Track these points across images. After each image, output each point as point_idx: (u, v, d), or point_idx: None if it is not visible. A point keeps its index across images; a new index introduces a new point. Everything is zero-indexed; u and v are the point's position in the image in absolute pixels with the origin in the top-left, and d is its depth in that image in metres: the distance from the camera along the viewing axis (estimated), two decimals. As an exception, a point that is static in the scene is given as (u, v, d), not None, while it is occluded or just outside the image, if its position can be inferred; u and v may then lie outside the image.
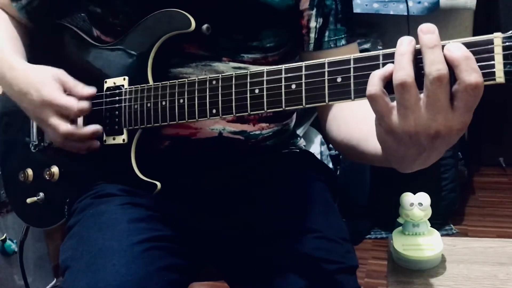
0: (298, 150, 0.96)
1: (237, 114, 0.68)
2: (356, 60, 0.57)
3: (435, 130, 0.51)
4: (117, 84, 0.81)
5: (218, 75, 0.70)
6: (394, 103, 0.53)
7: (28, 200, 0.91)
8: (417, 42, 0.52)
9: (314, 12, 0.81)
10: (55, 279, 1.77)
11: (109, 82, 0.81)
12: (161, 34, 0.77)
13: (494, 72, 0.50)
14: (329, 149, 2.17)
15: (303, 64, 0.61)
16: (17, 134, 0.96)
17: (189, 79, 0.73)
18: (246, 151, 0.86)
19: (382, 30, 2.34)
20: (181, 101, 0.73)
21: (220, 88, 0.69)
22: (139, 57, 0.79)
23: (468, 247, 1.08)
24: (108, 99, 0.81)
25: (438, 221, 2.05)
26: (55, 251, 1.74)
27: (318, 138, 2.11)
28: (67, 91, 0.80)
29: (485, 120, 2.50)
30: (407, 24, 2.05)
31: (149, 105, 0.76)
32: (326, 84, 0.59)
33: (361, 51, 0.69)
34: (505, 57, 0.49)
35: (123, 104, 0.79)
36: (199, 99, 0.71)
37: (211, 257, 0.86)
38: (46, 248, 1.73)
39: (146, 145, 0.80)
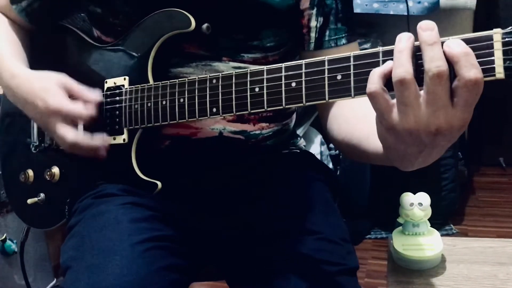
0: (298, 151, 0.96)
1: (237, 113, 0.68)
2: (356, 58, 0.57)
3: (435, 127, 0.51)
4: (118, 84, 0.81)
5: (218, 74, 0.70)
6: (395, 101, 0.53)
7: (29, 201, 0.91)
8: (417, 39, 0.52)
9: (314, 11, 0.81)
10: (55, 279, 1.77)
11: (110, 82, 0.82)
12: (161, 34, 0.77)
13: (494, 68, 0.50)
14: (329, 149, 2.17)
15: (303, 62, 0.62)
16: (18, 135, 0.96)
17: (189, 78, 0.73)
18: (246, 151, 0.86)
19: (382, 30, 2.34)
20: (182, 100, 0.73)
21: (220, 87, 0.69)
22: (139, 57, 0.79)
23: (468, 247, 1.08)
24: (108, 99, 0.81)
25: (438, 221, 2.05)
26: (55, 251, 1.74)
27: (318, 138, 2.11)
28: (72, 97, 0.80)
29: (485, 120, 2.50)
30: (407, 24, 2.05)
31: (149, 104, 0.76)
32: (326, 82, 0.59)
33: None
34: (504, 52, 0.49)
35: (123, 104, 0.79)
36: (199, 98, 0.71)
37: (212, 257, 0.86)
38: (46, 248, 1.73)
39: (146, 145, 0.80)
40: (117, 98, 0.80)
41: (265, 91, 0.65)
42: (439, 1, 2.11)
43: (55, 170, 0.88)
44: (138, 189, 0.79)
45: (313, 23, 0.82)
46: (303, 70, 0.61)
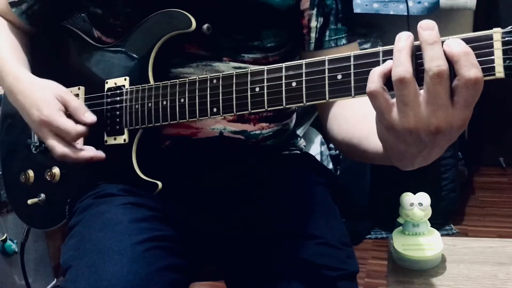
0: (298, 152, 0.96)
1: (237, 113, 0.68)
2: (356, 57, 0.57)
3: (435, 126, 0.51)
4: (118, 84, 0.81)
5: (218, 74, 0.70)
6: (394, 100, 0.53)
7: (29, 201, 0.91)
8: (417, 39, 0.52)
9: (314, 11, 0.81)
10: (55, 279, 1.77)
11: (110, 83, 0.82)
12: (161, 34, 0.77)
13: (493, 67, 0.50)
14: (329, 149, 2.17)
15: (303, 62, 0.62)
16: (18, 135, 0.96)
17: (189, 78, 0.73)
18: (246, 151, 0.86)
19: (382, 30, 2.34)
20: (182, 100, 0.73)
21: (220, 87, 0.69)
22: (140, 57, 0.79)
23: (468, 247, 1.08)
24: (109, 100, 0.81)
25: (438, 221, 2.05)
26: (55, 251, 1.74)
27: (318, 138, 2.11)
28: (68, 112, 0.80)
29: (485, 120, 2.50)
30: (407, 24, 2.05)
31: (150, 105, 0.76)
32: (327, 82, 0.59)
33: (361, 51, 0.70)
34: (504, 52, 0.49)
35: (124, 104, 0.80)
36: (200, 98, 0.71)
37: (212, 257, 0.86)
38: (46, 248, 1.72)
39: (147, 145, 0.80)
40: (118, 98, 0.80)
41: (265, 91, 0.65)
42: (439, 1, 2.11)
43: (56, 170, 0.88)
44: (139, 189, 0.80)
45: (313, 23, 0.82)
46: (304, 70, 0.62)
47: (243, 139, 0.84)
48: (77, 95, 0.85)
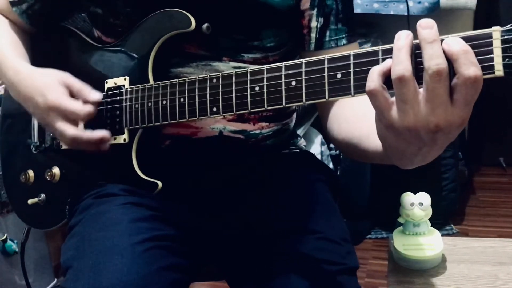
0: (298, 151, 0.96)
1: (237, 112, 0.68)
2: (356, 56, 0.57)
3: (435, 124, 0.51)
4: (118, 84, 0.81)
5: (218, 73, 0.70)
6: (394, 98, 0.53)
7: (29, 202, 0.91)
8: (416, 38, 0.52)
9: (315, 12, 0.81)
10: (55, 279, 1.77)
11: (110, 83, 0.82)
12: (161, 34, 0.77)
13: (493, 65, 0.50)
14: (330, 149, 2.17)
15: (303, 61, 0.62)
16: (18, 135, 0.96)
17: (189, 78, 0.73)
18: (246, 150, 0.86)
19: (383, 30, 2.34)
20: (182, 100, 0.73)
21: (220, 86, 0.69)
22: (139, 57, 0.79)
23: (468, 247, 1.08)
24: (109, 99, 0.81)
25: (439, 221, 2.05)
26: (55, 251, 1.74)
27: (319, 138, 2.11)
28: (73, 95, 0.80)
29: (486, 120, 2.49)
30: (408, 24, 2.05)
31: (149, 104, 0.76)
32: (326, 81, 0.59)
33: (361, 51, 0.70)
34: (504, 50, 0.49)
35: (123, 104, 0.80)
36: (199, 98, 0.71)
37: (212, 256, 0.86)
38: (46, 248, 1.73)
39: (147, 144, 0.80)
40: (118, 98, 0.80)
41: (265, 90, 0.65)
42: (439, 1, 2.11)
43: (56, 170, 0.88)
44: (139, 189, 0.80)
45: (314, 24, 0.82)
46: (303, 69, 0.62)
47: (243, 139, 0.84)
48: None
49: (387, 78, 0.53)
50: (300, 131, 1.96)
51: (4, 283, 1.56)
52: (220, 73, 0.69)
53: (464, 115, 0.51)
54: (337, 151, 2.15)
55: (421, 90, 0.51)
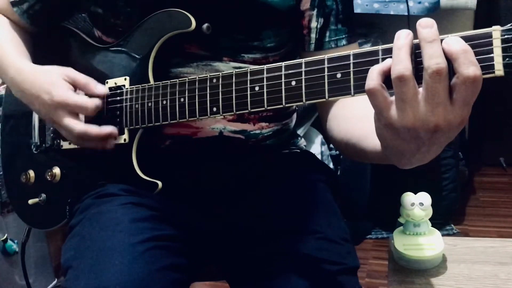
0: (298, 151, 0.96)
1: (237, 112, 0.68)
2: (356, 56, 0.57)
3: (434, 124, 0.51)
4: (118, 84, 0.81)
5: (218, 73, 0.70)
6: (393, 98, 0.53)
7: (30, 202, 0.92)
8: (416, 37, 0.52)
9: (315, 12, 0.81)
10: (56, 279, 1.77)
11: (110, 83, 0.82)
12: (161, 34, 0.77)
13: (493, 65, 0.50)
14: (330, 149, 2.17)
15: (303, 60, 0.62)
16: (19, 135, 0.96)
17: (189, 78, 0.73)
18: (246, 150, 0.86)
19: (383, 30, 2.34)
20: (182, 100, 0.73)
21: (220, 86, 0.69)
22: (140, 57, 0.79)
23: (469, 246, 1.07)
24: (109, 99, 0.81)
25: (439, 221, 2.05)
26: (56, 251, 1.74)
27: (319, 138, 2.11)
28: (78, 89, 0.80)
29: (486, 120, 2.49)
30: (408, 24, 2.05)
31: (150, 104, 0.76)
32: (326, 80, 0.59)
33: (362, 51, 0.70)
34: (504, 49, 0.49)
35: (124, 104, 0.80)
36: (199, 98, 0.71)
37: (212, 256, 0.86)
38: (47, 248, 1.72)
39: (147, 144, 0.80)
40: (118, 98, 0.80)
41: (265, 90, 0.65)
42: (439, 1, 2.11)
43: (56, 170, 0.88)
44: (139, 189, 0.80)
45: (314, 24, 0.82)
46: (303, 69, 0.62)
47: (243, 139, 0.84)
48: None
49: (386, 77, 0.53)
50: (300, 131, 1.96)
51: (4, 283, 1.56)
52: (220, 73, 0.70)
53: (463, 114, 0.51)
54: (338, 151, 2.15)
55: (420, 89, 0.51)
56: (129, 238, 0.70)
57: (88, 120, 0.81)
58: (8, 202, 1.48)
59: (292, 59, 0.64)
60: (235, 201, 0.85)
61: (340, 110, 0.81)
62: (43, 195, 0.91)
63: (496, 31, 0.50)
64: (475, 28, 0.52)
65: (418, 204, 1.03)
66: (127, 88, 0.80)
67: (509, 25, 0.49)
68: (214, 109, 0.70)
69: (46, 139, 0.91)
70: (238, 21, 0.79)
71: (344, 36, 0.82)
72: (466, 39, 0.50)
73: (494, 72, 0.50)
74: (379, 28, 2.33)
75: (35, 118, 0.93)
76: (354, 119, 0.76)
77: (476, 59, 0.49)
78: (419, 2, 2.08)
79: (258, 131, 0.86)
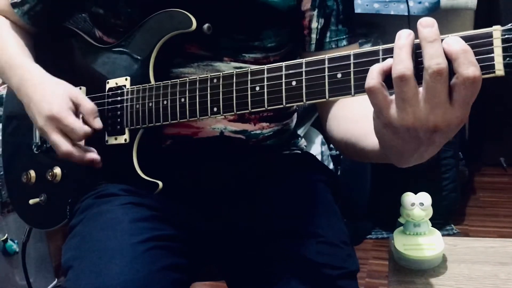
0: (299, 152, 0.96)
1: (238, 112, 0.68)
2: (356, 56, 0.57)
3: (433, 124, 0.51)
4: (119, 84, 0.81)
5: (219, 73, 0.70)
6: (393, 97, 0.53)
7: (31, 201, 0.92)
8: (417, 37, 0.52)
9: (315, 12, 0.81)
10: (56, 279, 1.77)
11: (111, 83, 0.82)
12: (162, 34, 0.77)
13: (493, 65, 0.50)
14: (330, 149, 2.17)
15: (303, 60, 0.62)
16: (20, 135, 0.96)
17: (190, 78, 0.73)
18: (247, 150, 0.86)
19: (383, 30, 2.34)
20: (183, 100, 0.73)
21: (221, 86, 0.69)
22: (141, 57, 0.79)
23: (469, 247, 1.07)
24: (110, 100, 0.81)
25: (439, 221, 2.05)
26: (56, 251, 1.74)
27: (319, 138, 2.11)
28: (78, 112, 0.80)
29: (486, 120, 2.49)
30: (408, 24, 2.05)
31: (150, 104, 0.76)
32: (327, 80, 0.60)
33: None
34: (504, 49, 0.49)
35: (124, 104, 0.80)
36: (200, 98, 0.71)
37: (212, 256, 0.86)
38: (47, 248, 1.72)
39: (148, 144, 0.80)
40: (119, 98, 0.80)
41: (265, 90, 0.65)
42: (439, 1, 2.11)
43: (57, 170, 0.88)
44: (139, 189, 0.80)
45: (314, 25, 0.82)
46: (304, 69, 0.62)
47: (243, 139, 0.84)
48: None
49: (387, 77, 0.53)
50: (300, 131, 1.96)
51: (4, 283, 1.56)
52: (221, 73, 0.70)
53: (462, 115, 0.51)
54: (338, 151, 2.15)
55: (420, 89, 0.51)
56: (130, 238, 0.70)
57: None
58: (8, 202, 1.48)
59: (292, 59, 0.64)
60: (235, 201, 0.85)
61: (340, 110, 0.81)
62: (44, 195, 0.91)
63: (496, 31, 0.50)
64: (475, 28, 0.52)
65: (418, 204, 1.03)
66: (127, 88, 0.80)
67: (509, 25, 0.49)
68: (215, 109, 0.70)
69: (47, 139, 0.91)
70: (238, 21, 0.79)
71: (344, 36, 0.82)
72: (466, 39, 0.51)
73: (494, 72, 0.50)
74: (380, 28, 2.33)
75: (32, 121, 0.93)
76: (353, 118, 0.76)
77: (477, 59, 0.50)
78: (419, 2, 2.08)
79: (258, 131, 0.86)
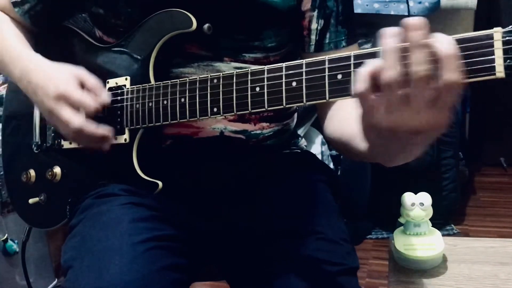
0: (299, 151, 0.96)
1: (238, 113, 0.68)
2: (356, 57, 0.57)
3: (416, 126, 0.52)
4: (119, 84, 0.81)
5: (219, 73, 0.70)
6: (381, 100, 0.53)
7: (31, 201, 0.92)
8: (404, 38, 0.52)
9: (315, 13, 0.81)
10: (56, 279, 1.77)
11: (111, 82, 0.82)
12: (162, 34, 0.77)
13: (494, 66, 0.50)
14: (330, 149, 2.17)
15: (303, 61, 0.62)
16: (20, 135, 0.96)
17: (190, 78, 0.73)
18: (247, 150, 0.86)
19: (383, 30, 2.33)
20: (183, 100, 0.73)
21: (221, 86, 0.69)
22: (141, 57, 0.79)
23: (469, 247, 1.08)
24: (110, 99, 0.81)
25: (439, 221, 2.05)
26: (56, 251, 1.74)
27: (319, 138, 2.11)
28: (85, 90, 0.79)
29: (486, 120, 2.49)
30: (408, 24, 2.05)
31: (150, 104, 0.76)
32: (327, 81, 0.60)
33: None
34: (505, 51, 0.50)
35: (125, 104, 0.80)
36: (200, 98, 0.71)
37: (212, 256, 0.86)
38: (47, 248, 1.73)
39: (147, 144, 0.80)
40: (119, 98, 0.80)
41: (265, 90, 0.65)
42: (439, 1, 2.11)
43: (57, 170, 0.88)
44: (139, 189, 0.80)
45: (314, 26, 0.82)
46: (304, 70, 0.62)
47: (243, 139, 0.84)
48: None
49: (375, 79, 0.53)
50: (300, 131, 1.96)
51: (4, 283, 1.56)
52: (221, 74, 0.70)
53: (444, 117, 0.52)
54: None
55: (407, 92, 0.52)
56: (129, 238, 0.70)
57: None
58: (8, 202, 1.48)
59: (293, 59, 0.64)
60: (235, 201, 0.85)
61: (336, 111, 0.82)
62: (44, 195, 0.91)
63: (497, 33, 0.50)
64: (475, 28, 0.52)
65: (418, 204, 1.03)
66: (127, 88, 0.80)
67: (510, 27, 0.50)
68: (215, 109, 0.70)
69: (47, 138, 0.91)
70: (238, 21, 0.79)
71: (343, 38, 0.82)
72: (467, 40, 0.51)
73: (495, 74, 0.50)
74: (380, 28, 2.32)
75: (36, 117, 0.93)
76: (348, 120, 0.76)
77: (477, 60, 0.50)
78: (420, 2, 2.08)
79: (259, 131, 0.86)
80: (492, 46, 0.50)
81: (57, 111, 0.77)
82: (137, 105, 0.78)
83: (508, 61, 0.49)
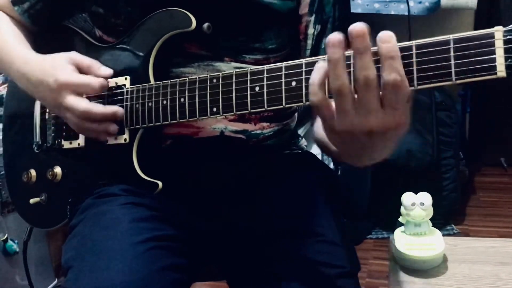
0: (299, 151, 0.97)
1: (237, 113, 0.68)
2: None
3: (368, 128, 0.55)
4: (119, 83, 0.81)
5: (218, 73, 0.70)
6: (334, 106, 0.56)
7: (31, 201, 0.92)
8: (417, 38, 0.53)
9: (313, 18, 0.82)
10: (56, 279, 1.77)
11: (111, 82, 0.81)
12: (162, 33, 0.77)
13: (495, 66, 0.50)
14: (330, 149, 2.18)
15: (303, 61, 0.62)
16: (20, 135, 0.96)
17: (190, 78, 0.73)
18: (247, 150, 0.86)
19: (383, 30, 2.33)
20: (182, 100, 0.73)
21: (220, 86, 0.69)
22: (140, 56, 0.79)
23: (469, 246, 1.08)
24: (109, 99, 0.81)
25: (440, 221, 2.05)
26: (56, 251, 1.74)
27: (319, 138, 2.11)
28: (83, 72, 0.79)
29: (486, 120, 2.49)
30: (408, 24, 2.05)
31: (150, 104, 0.76)
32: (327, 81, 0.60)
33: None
34: (506, 50, 0.50)
35: (124, 104, 0.80)
36: (199, 98, 0.71)
37: (212, 256, 0.86)
38: (47, 248, 1.73)
39: (147, 144, 0.80)
40: (118, 97, 0.80)
41: (265, 90, 0.65)
42: (440, 1, 2.11)
43: (57, 170, 0.88)
44: (139, 189, 0.80)
45: (311, 31, 0.82)
46: (303, 69, 0.62)
47: (244, 139, 0.84)
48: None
49: (327, 86, 0.55)
50: (301, 131, 1.95)
51: (5, 283, 1.56)
52: (221, 73, 0.70)
53: (397, 119, 0.54)
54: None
55: (354, 96, 0.54)
56: (130, 238, 0.70)
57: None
58: (8, 202, 1.48)
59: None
60: (235, 201, 0.85)
61: None
62: (44, 195, 0.91)
63: (498, 32, 0.50)
64: (475, 28, 0.52)
65: (418, 204, 1.03)
66: (127, 88, 0.80)
67: (511, 26, 0.49)
68: (214, 109, 0.70)
69: (48, 138, 0.91)
70: (238, 21, 0.80)
71: None
72: (468, 39, 0.51)
73: (496, 74, 0.50)
74: (380, 28, 2.32)
75: (37, 117, 0.93)
76: None
77: (478, 60, 0.50)
78: (420, 2, 2.08)
79: (259, 131, 0.86)
80: (493, 45, 0.50)
81: (61, 100, 0.77)
82: (137, 105, 0.78)
83: (509, 60, 0.49)
